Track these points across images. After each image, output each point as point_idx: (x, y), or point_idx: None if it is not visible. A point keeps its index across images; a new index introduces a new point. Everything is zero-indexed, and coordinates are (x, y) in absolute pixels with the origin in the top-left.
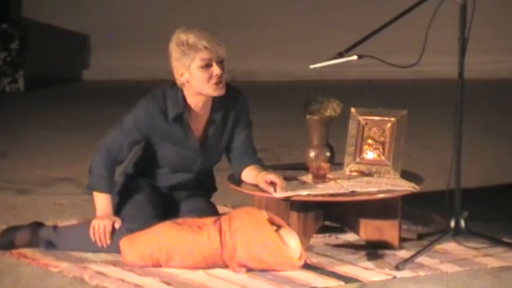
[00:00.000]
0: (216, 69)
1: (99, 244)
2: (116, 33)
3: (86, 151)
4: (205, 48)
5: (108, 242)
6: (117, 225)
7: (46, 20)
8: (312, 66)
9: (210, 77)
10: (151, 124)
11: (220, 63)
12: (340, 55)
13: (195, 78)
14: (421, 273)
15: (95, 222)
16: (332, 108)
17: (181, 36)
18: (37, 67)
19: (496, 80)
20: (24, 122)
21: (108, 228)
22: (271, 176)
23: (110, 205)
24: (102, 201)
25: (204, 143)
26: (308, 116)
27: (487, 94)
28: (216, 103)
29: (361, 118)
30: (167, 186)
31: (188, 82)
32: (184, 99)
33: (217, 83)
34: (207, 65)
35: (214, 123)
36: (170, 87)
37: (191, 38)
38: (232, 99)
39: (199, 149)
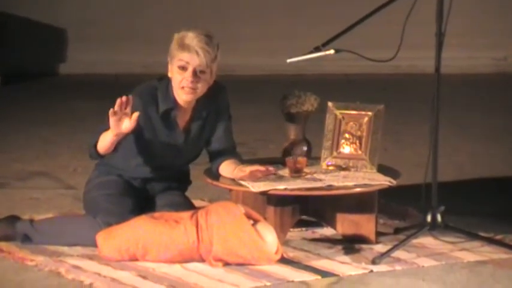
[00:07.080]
0: (188, 75)
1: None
2: (93, 27)
3: (61, 146)
4: (189, 51)
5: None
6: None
7: (23, 13)
8: (289, 61)
9: (181, 80)
10: (144, 111)
11: (200, 72)
12: (317, 49)
13: (173, 76)
14: (398, 267)
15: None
16: (309, 103)
17: (183, 32)
18: (14, 61)
19: (472, 75)
20: (0, 115)
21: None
22: (249, 168)
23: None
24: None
25: (187, 137)
26: (285, 111)
27: (464, 89)
28: (201, 99)
29: (338, 112)
30: (143, 177)
31: (171, 77)
32: (173, 94)
33: (183, 88)
34: (183, 68)
35: (198, 119)
36: (158, 80)
37: (186, 37)
38: (215, 95)
39: (183, 143)
